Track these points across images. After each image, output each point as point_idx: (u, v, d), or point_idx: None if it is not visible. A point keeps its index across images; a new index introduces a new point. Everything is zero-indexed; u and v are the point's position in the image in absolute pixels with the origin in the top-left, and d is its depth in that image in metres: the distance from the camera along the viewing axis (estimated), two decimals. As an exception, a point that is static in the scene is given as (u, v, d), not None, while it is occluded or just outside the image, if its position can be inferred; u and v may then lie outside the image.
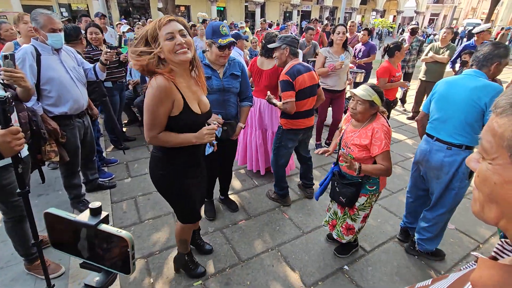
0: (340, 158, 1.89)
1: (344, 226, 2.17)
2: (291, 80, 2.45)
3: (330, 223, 2.30)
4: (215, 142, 1.81)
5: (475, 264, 0.55)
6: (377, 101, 1.82)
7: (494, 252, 0.51)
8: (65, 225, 0.61)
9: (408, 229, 2.50)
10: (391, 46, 3.85)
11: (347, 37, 3.72)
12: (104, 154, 3.72)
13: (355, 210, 2.09)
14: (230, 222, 2.70)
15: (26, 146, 1.94)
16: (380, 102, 1.84)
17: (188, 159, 1.69)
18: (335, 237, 2.26)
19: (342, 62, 3.58)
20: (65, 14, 18.91)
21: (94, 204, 0.60)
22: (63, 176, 2.61)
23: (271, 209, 2.90)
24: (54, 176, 3.29)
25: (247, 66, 3.31)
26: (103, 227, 0.59)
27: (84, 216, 0.60)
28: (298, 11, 27.62)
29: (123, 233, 0.58)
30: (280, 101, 2.54)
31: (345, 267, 2.24)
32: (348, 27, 6.44)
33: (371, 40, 5.93)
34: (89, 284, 0.63)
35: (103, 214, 0.60)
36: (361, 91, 1.83)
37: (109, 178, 3.32)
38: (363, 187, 1.99)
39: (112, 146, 4.14)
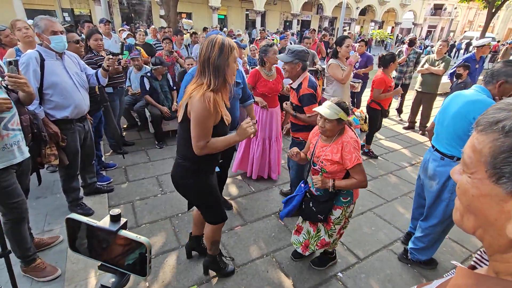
0: (314, 181, 1.88)
1: (319, 244, 2.11)
2: (314, 92, 2.51)
3: (303, 244, 2.19)
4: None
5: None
6: (343, 117, 1.81)
7: (474, 261, 0.54)
8: (85, 230, 0.65)
9: (411, 234, 2.55)
10: (387, 57, 3.89)
11: None
12: (103, 158, 3.74)
13: (331, 224, 2.03)
14: (226, 227, 2.72)
15: (27, 148, 1.98)
16: (346, 118, 1.84)
17: (212, 165, 1.86)
18: (307, 254, 2.24)
19: (356, 55, 3.68)
20: (68, 19, 19.10)
21: (114, 211, 0.64)
22: (62, 179, 2.63)
23: (267, 216, 2.93)
24: (52, 179, 3.31)
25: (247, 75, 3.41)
26: (123, 232, 0.63)
27: (104, 222, 0.64)
28: (298, 20, 28.00)
29: (142, 238, 0.62)
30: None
31: (339, 274, 2.27)
32: None
33: (369, 50, 6.04)
34: (105, 285, 0.67)
35: (122, 220, 0.64)
36: (327, 110, 1.79)
37: (107, 182, 3.34)
38: (337, 199, 1.97)
39: (111, 150, 4.17)
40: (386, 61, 3.87)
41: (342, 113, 1.79)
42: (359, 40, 5.82)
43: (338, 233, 2.09)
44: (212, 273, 2.20)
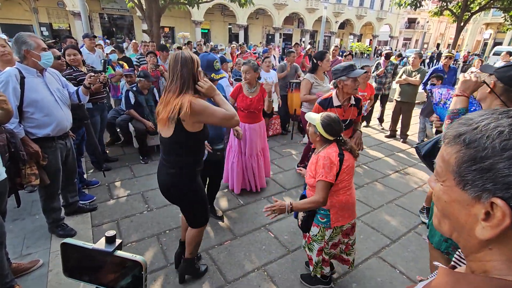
0: (267, 210, 1.81)
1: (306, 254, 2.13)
2: None
3: None
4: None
5: None
6: (318, 127, 1.82)
7: (454, 261, 0.58)
8: (80, 254, 0.64)
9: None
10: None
11: None
12: (85, 176, 3.62)
13: (310, 239, 2.04)
14: (216, 242, 2.68)
15: (3, 169, 1.89)
16: (322, 131, 1.82)
17: (200, 167, 1.96)
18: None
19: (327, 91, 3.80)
20: (46, 33, 18.74)
21: (110, 233, 0.65)
22: (42, 199, 2.52)
23: (257, 228, 2.91)
24: (30, 200, 3.16)
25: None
26: (119, 253, 0.64)
27: (100, 244, 0.65)
28: (280, 33, 28.74)
29: (137, 257, 0.62)
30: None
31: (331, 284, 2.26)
32: (331, 51, 6.78)
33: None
34: None
35: (117, 241, 0.65)
36: (311, 114, 1.92)
37: (90, 201, 3.22)
38: (316, 216, 1.96)
39: (93, 168, 4.04)
40: None
41: (318, 124, 1.83)
42: (347, 54, 6.00)
43: (318, 253, 2.01)
44: (202, 291, 2.15)
